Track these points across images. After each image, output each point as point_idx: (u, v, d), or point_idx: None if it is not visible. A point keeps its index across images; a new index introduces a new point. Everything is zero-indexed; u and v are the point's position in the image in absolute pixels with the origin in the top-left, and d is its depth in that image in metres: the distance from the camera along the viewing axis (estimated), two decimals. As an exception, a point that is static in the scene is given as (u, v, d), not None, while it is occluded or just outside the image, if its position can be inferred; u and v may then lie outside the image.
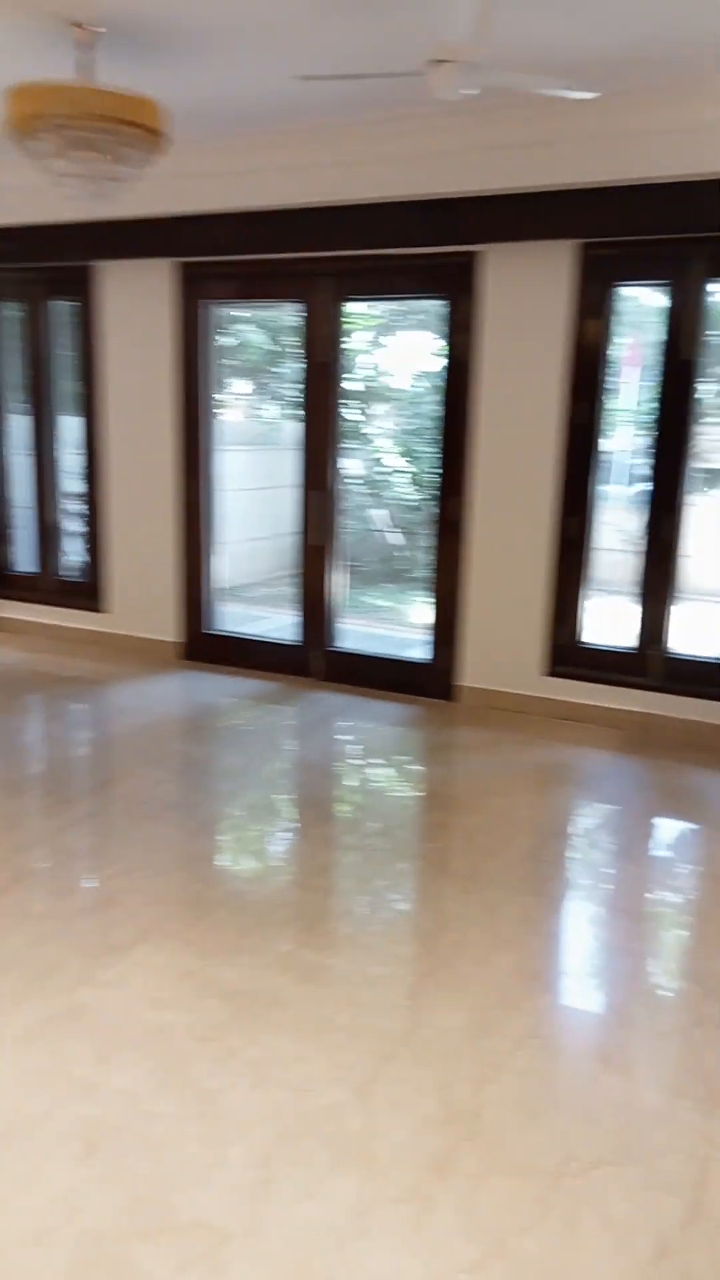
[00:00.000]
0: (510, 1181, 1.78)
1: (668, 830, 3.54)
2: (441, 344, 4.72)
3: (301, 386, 5.02)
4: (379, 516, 10.06)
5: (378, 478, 9.88)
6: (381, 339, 9.45)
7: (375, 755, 4.20)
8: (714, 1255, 1.64)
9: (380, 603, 8.93)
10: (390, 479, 9.59)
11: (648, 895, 2.96)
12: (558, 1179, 1.79)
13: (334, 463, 5.08)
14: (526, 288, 4.42)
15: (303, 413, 5.05)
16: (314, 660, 5.25)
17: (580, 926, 2.79)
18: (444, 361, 4.70)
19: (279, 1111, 1.97)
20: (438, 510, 4.85)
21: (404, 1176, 1.80)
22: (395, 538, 9.68)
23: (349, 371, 5.37)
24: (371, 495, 10.07)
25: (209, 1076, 2.06)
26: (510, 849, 3.21)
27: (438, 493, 4.83)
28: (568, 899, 2.93)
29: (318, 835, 3.36)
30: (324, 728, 4.51)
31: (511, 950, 2.58)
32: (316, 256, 4.79)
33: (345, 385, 5.07)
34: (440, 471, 4.81)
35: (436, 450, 4.80)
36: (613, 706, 4.56)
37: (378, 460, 9.74)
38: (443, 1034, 2.21)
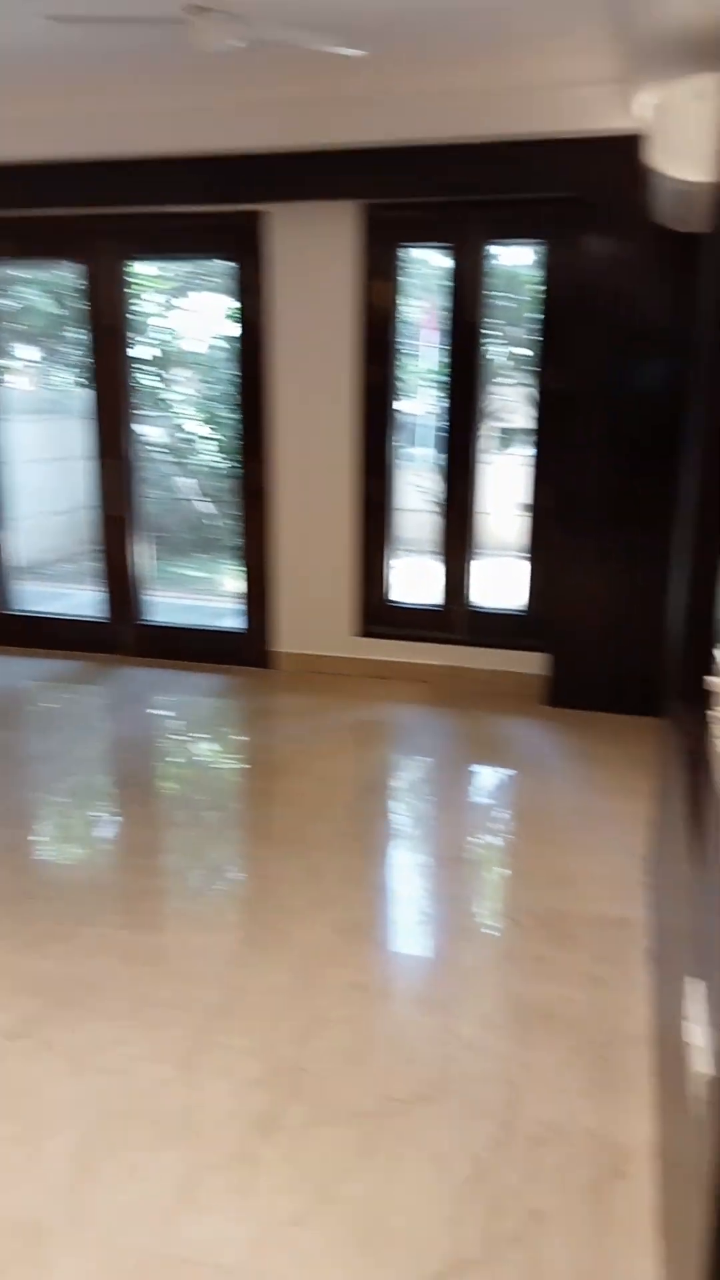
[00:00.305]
0: (334, 1131, 1.82)
1: (480, 776, 3.70)
2: (234, 306, 4.64)
3: (89, 352, 4.81)
4: (185, 485, 9.85)
5: (182, 445, 9.66)
6: (175, 302, 9.19)
7: (193, 728, 4.14)
8: (524, 1169, 1.74)
9: (193, 573, 8.77)
10: (195, 446, 9.40)
11: (465, 840, 3.08)
12: (380, 1121, 1.85)
13: (129, 430, 4.92)
14: (313, 249, 4.40)
15: (92, 379, 4.85)
16: (123, 636, 5.10)
17: (401, 877, 2.87)
18: (237, 324, 4.63)
19: (100, 1097, 1.92)
20: (241, 476, 4.79)
21: (229, 1142, 1.81)
22: (204, 506, 9.51)
23: (140, 335, 5.19)
24: (176, 463, 9.84)
25: (22, 1074, 1.98)
26: (331, 809, 3.26)
27: (240, 458, 4.78)
28: (388, 852, 3.00)
29: (138, 814, 3.28)
30: (138, 704, 4.40)
31: (334, 907, 2.62)
32: (95, 214, 4.59)
33: (137, 350, 4.90)
34: (241, 437, 4.75)
35: (236, 415, 4.73)
36: (422, 661, 4.70)
37: (179, 427, 9.51)
38: (265, 996, 2.23)
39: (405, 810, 3.34)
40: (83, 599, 5.54)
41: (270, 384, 4.60)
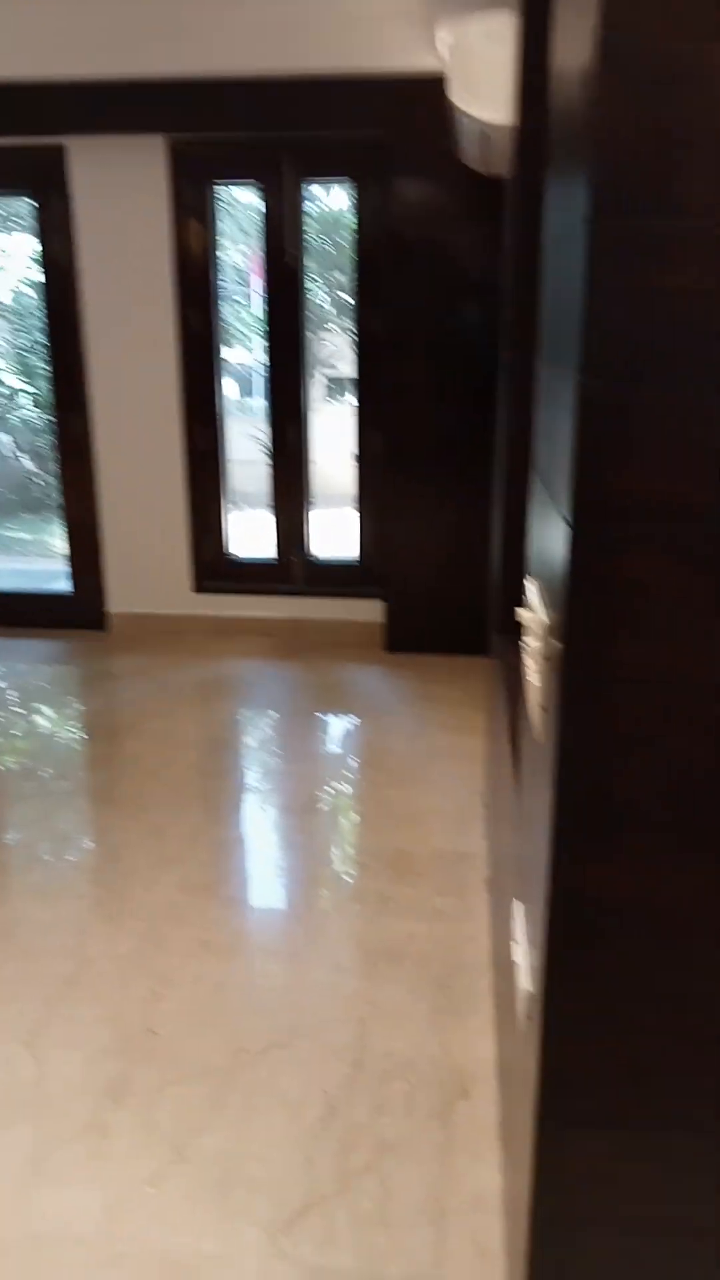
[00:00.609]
0: (186, 1089, 1.83)
1: (324, 725, 3.73)
2: (38, 248, 4.38)
3: None
4: (4, 441, 9.34)
5: (-1, 399, 9.12)
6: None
7: (25, 696, 3.98)
8: (374, 1102, 1.80)
9: (20, 535, 8.37)
10: (13, 400, 8.90)
11: (310, 790, 3.11)
12: (231, 1074, 1.87)
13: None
14: (121, 186, 4.20)
15: None
16: (-56, 605, 4.82)
17: (246, 831, 2.88)
18: (43, 268, 4.38)
19: (-60, 1087, 1.85)
20: (59, 430, 4.58)
21: (80, 1112, 1.78)
22: (27, 463, 9.07)
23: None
24: (-6, 418, 9.30)
25: None
26: (174, 768, 3.21)
27: (56, 411, 4.56)
28: (233, 807, 3.00)
29: (-35, 791, 3.14)
30: (-36, 676, 4.19)
31: (179, 867, 2.60)
32: None
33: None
34: (56, 388, 4.53)
35: (49, 365, 4.50)
36: (263, 615, 4.67)
37: (-1, 382, 8.98)
38: (112, 964, 2.20)
39: (249, 764, 3.34)
40: None
41: (84, 331, 4.39)
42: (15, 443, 9.24)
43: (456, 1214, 1.57)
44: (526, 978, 1.23)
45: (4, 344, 8.67)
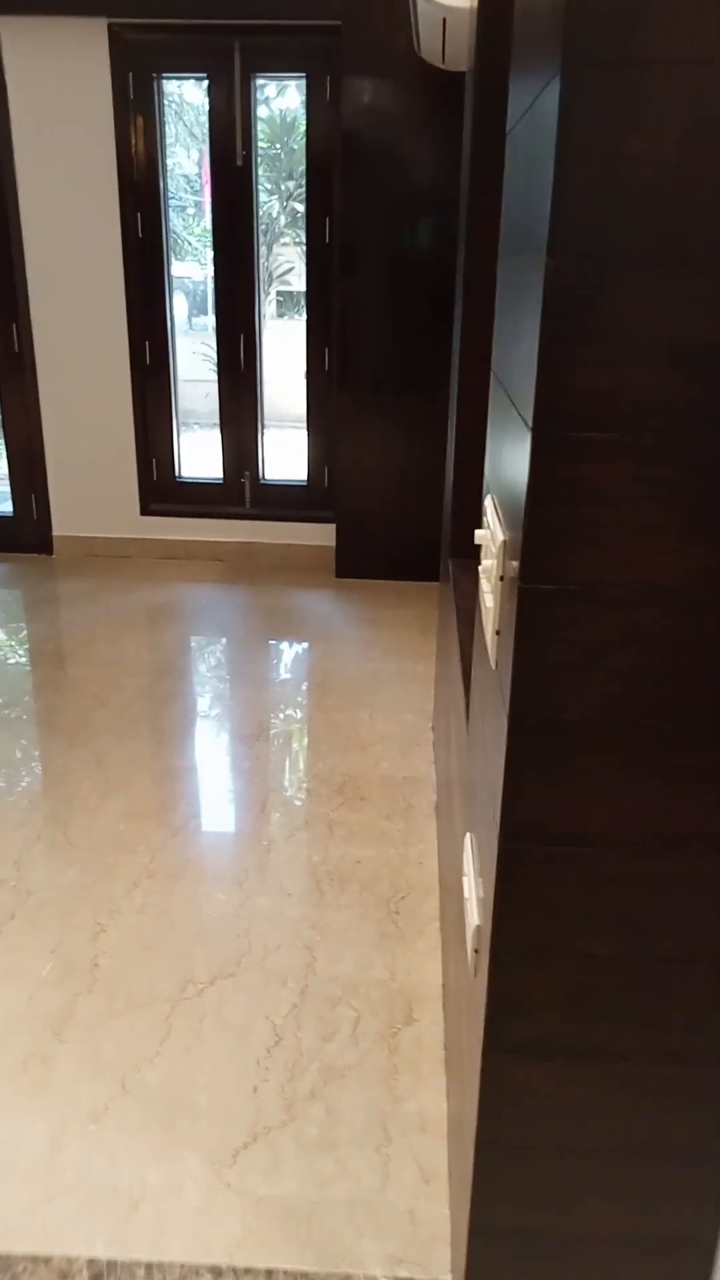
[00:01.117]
0: (130, 1020, 1.80)
1: (272, 651, 3.66)
2: (-32, 142, 4.08)
3: None
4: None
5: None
6: None
7: (-36, 621, 3.85)
8: (321, 1029, 1.79)
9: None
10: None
11: (257, 716, 3.06)
12: (176, 1004, 1.84)
13: None
14: (59, 74, 3.92)
15: None
16: None
17: (192, 759, 2.82)
18: (-25, 164, 4.09)
19: None
20: (-4, 342, 4.35)
21: (22, 1045, 1.74)
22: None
23: None
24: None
25: None
26: (119, 694, 3.13)
27: (-6, 322, 4.32)
28: (179, 735, 2.93)
29: None
30: None
31: (122, 795, 2.54)
32: None
33: None
34: (-8, 296, 4.28)
35: (-15, 272, 4.25)
36: (212, 539, 4.55)
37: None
38: (54, 894, 2.14)
39: (198, 690, 3.27)
40: None
41: (22, 236, 4.14)
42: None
43: (401, 1138, 1.57)
44: (475, 911, 1.20)
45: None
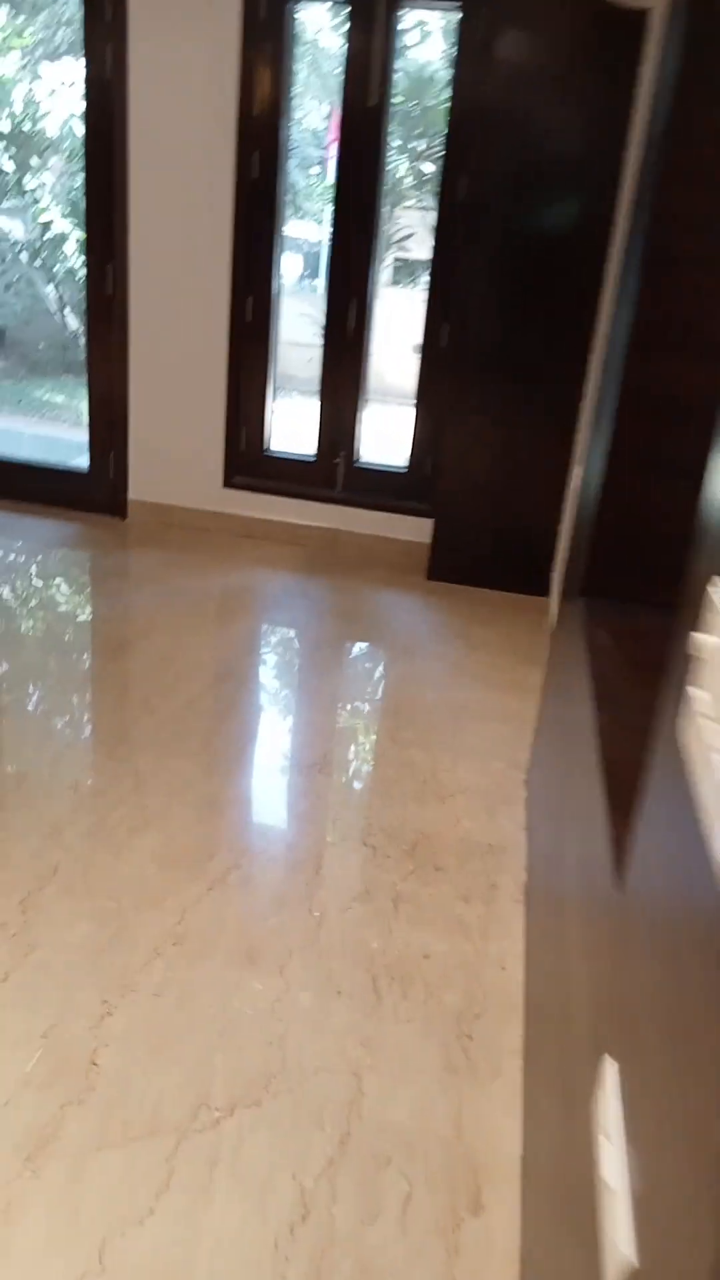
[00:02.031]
0: (124, 1155, 1.43)
1: (347, 663, 3.26)
2: (83, 68, 3.71)
3: None
4: (50, 294, 8.68)
5: (45, 246, 8.44)
6: (40, 68, 7.78)
7: (21, 587, 3.53)
8: (360, 1202, 1.40)
9: (56, 398, 7.83)
10: (62, 248, 8.21)
11: (322, 742, 2.66)
12: (184, 1136, 1.47)
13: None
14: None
15: None
16: (-52, 470, 4.35)
17: (241, 790, 2.44)
18: (86, 92, 3.72)
19: None
20: (90, 285, 4.00)
21: (-14, 1169, 1.39)
22: (71, 319, 8.44)
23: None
24: (41, 267, 8.63)
25: None
26: (170, 700, 2.77)
27: (89, 263, 3.97)
28: (231, 758, 2.56)
29: (-68, 696, 2.72)
30: (-43, 555, 3.74)
31: (157, 829, 2.18)
32: None
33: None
34: (89, 236, 3.93)
35: (86, 209, 3.89)
36: (296, 521, 4.16)
37: (45, 225, 8.27)
38: (60, 954, 1.79)
39: (256, 704, 2.89)
40: None
41: (129, 173, 3.76)
42: (60, 297, 8.59)
43: None
44: (626, 1229, 0.77)
45: (54, 182, 7.94)
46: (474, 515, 3.83)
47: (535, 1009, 1.67)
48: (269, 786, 2.44)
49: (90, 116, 3.75)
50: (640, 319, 1.67)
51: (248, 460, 4.16)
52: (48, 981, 1.72)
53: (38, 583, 3.58)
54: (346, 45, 3.55)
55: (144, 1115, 1.49)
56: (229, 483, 4.15)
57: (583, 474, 2.55)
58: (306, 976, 1.80)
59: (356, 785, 2.47)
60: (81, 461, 4.33)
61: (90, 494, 4.28)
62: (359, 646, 3.36)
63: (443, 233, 3.72)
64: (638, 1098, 0.84)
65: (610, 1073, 0.92)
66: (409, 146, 7.53)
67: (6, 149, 7.74)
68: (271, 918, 1.94)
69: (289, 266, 8.95)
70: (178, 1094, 1.53)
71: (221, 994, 1.74)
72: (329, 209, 3.79)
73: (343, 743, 2.68)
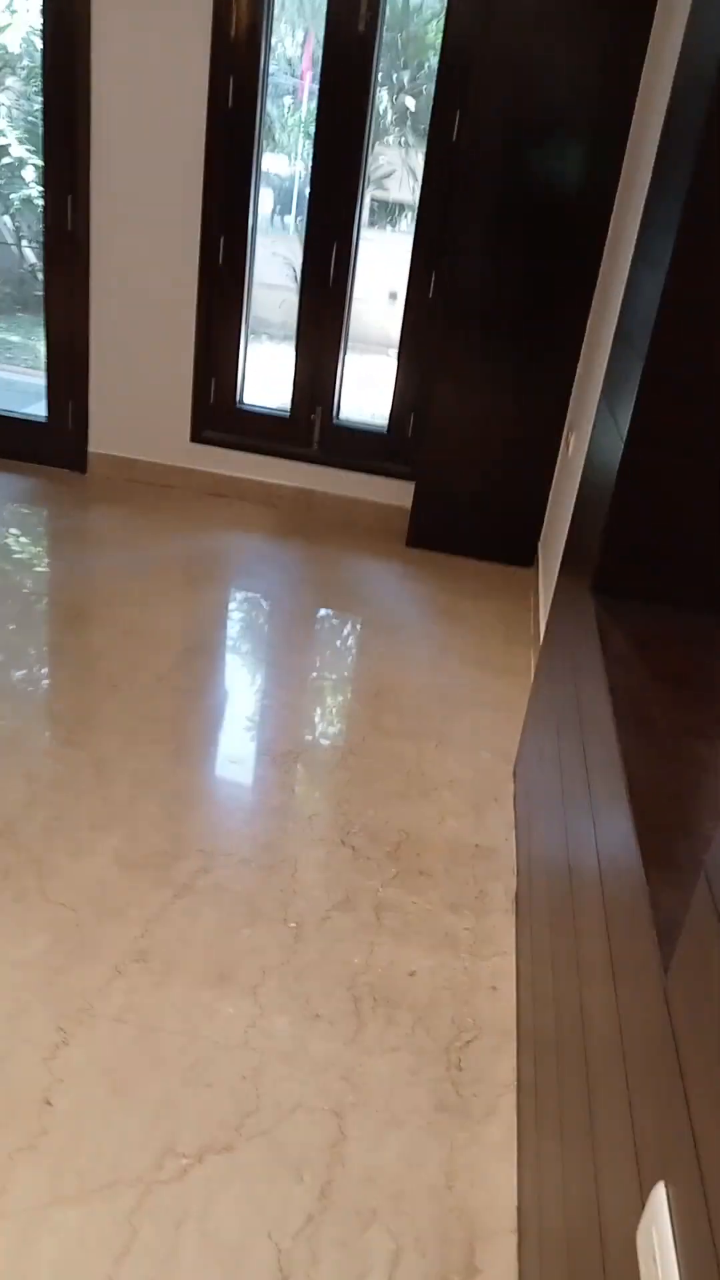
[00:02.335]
0: (79, 1213, 1.28)
1: (324, 638, 3.09)
2: (40, -32, 3.37)
3: None
4: (5, 224, 8.22)
5: (0, 172, 7.96)
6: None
7: (-28, 546, 3.30)
8: (343, 1267, 1.27)
9: (10, 338, 7.44)
10: (20, 174, 7.74)
11: (297, 727, 2.50)
12: (148, 1189, 1.32)
13: None
14: None
15: None
16: None
17: (210, 781, 2.27)
18: (43, 1, 3.39)
19: None
20: (47, 217, 3.70)
21: None
22: (29, 253, 8.01)
23: None
24: (-5, 197, 8.16)
25: None
26: (136, 678, 2.58)
27: (46, 194, 3.66)
28: (199, 743, 2.38)
29: None
30: None
31: (120, 826, 2.01)
32: None
33: None
34: (47, 164, 3.62)
35: (43, 135, 3.58)
36: (269, 480, 3.94)
37: (0, 149, 7.79)
38: (9, 974, 1.62)
39: (228, 682, 2.71)
40: None
41: (92, 97, 3.45)
42: (17, 229, 8.14)
43: None
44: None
45: (11, 104, 7.45)
46: (458, 480, 3.64)
47: (531, 1037, 1.55)
48: (241, 778, 2.28)
49: (48, 32, 3.42)
50: (672, 285, 1.49)
51: (218, 413, 3.92)
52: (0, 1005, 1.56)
53: (-8, 542, 3.34)
54: (334, -35, 3.26)
55: (103, 1164, 1.35)
56: (197, 437, 3.91)
57: (585, 448, 2.38)
58: (282, 999, 1.65)
59: (335, 777, 2.31)
60: (38, 410, 4.06)
61: (48, 445, 4.01)
62: (337, 620, 3.18)
63: (432, 175, 3.47)
64: (696, 1225, 0.71)
65: (661, 1197, 0.79)
66: (392, 78, 7.14)
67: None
68: (244, 930, 1.79)
69: (262, 203, 8.57)
70: (141, 1138, 1.39)
71: (189, 1020, 1.59)
72: (304, 143, 3.52)
73: (320, 729, 2.52)
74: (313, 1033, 1.59)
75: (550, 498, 3.56)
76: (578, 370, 3.39)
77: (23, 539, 3.46)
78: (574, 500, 2.29)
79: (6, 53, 7.43)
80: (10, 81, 7.50)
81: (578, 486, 2.40)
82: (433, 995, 1.70)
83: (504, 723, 2.61)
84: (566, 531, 2.47)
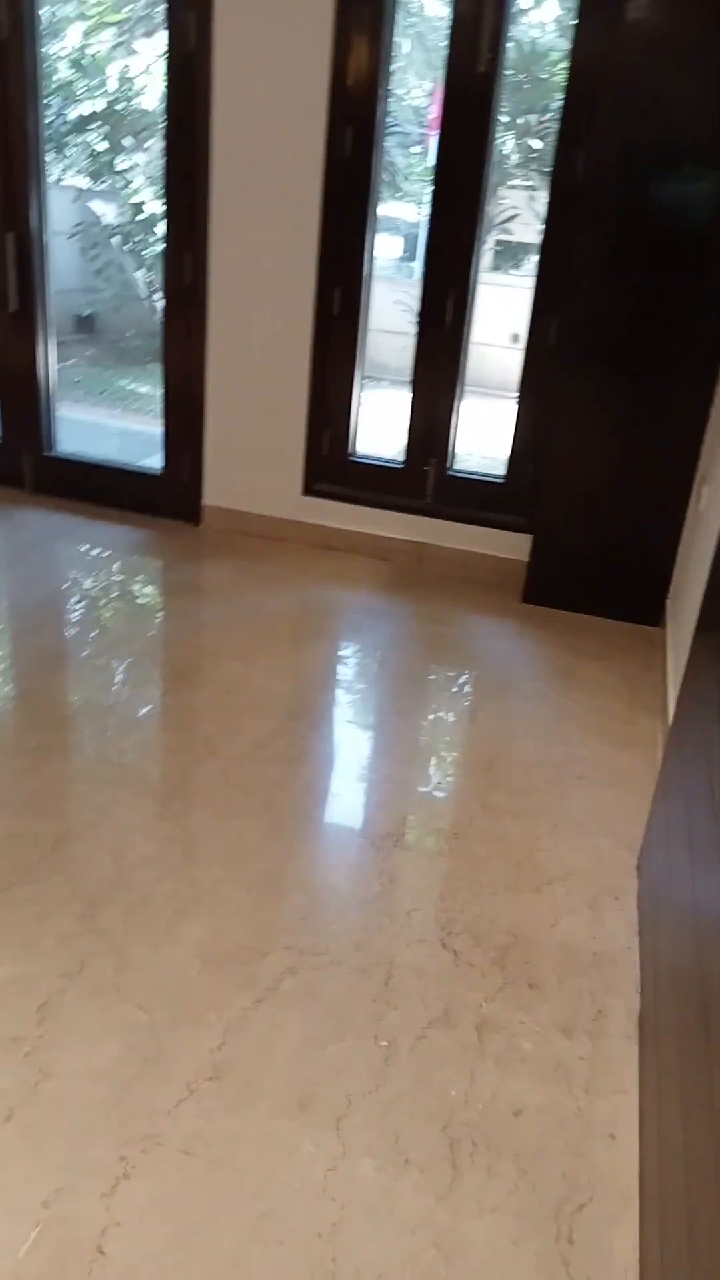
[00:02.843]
0: None
1: (433, 701, 2.91)
2: (164, 34, 3.41)
3: (-32, 78, 3.60)
4: (139, 279, 8.51)
5: (136, 228, 8.25)
6: (135, 44, 7.56)
7: (82, 602, 3.28)
8: None
9: (140, 389, 7.64)
10: (153, 230, 8.00)
11: (400, 806, 2.32)
12: None
13: (35, 191, 3.75)
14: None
15: (-26, 120, 3.66)
16: (19, 468, 4.14)
17: (305, 866, 2.11)
18: (167, 63, 3.42)
19: None
20: (168, 271, 3.72)
21: None
22: (160, 306, 8.25)
23: (82, 81, 3.91)
24: (130, 252, 8.46)
25: None
26: (234, 742, 2.47)
27: (169, 248, 3.68)
28: (296, 821, 2.24)
29: (-25, 729, 2.47)
30: (19, 563, 3.51)
31: (205, 913, 1.88)
32: None
33: (77, 102, 3.67)
34: (170, 219, 3.64)
35: (165, 189, 3.61)
36: (381, 533, 3.82)
37: (137, 206, 8.08)
38: (75, 1088, 1.50)
39: (331, 749, 2.56)
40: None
41: (209, 150, 3.46)
42: (149, 283, 8.41)
43: None
44: None
45: (147, 162, 7.72)
46: (579, 532, 3.42)
47: (656, 1201, 1.31)
48: (336, 861, 2.11)
49: (172, 93, 3.45)
50: None
51: (330, 465, 3.83)
52: (58, 1125, 1.43)
53: (102, 598, 3.32)
54: (453, 9, 3.17)
55: (157, 1335, 1.19)
56: (309, 489, 3.83)
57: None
58: (369, 1136, 1.47)
59: (438, 865, 2.12)
60: (156, 461, 4.07)
61: (163, 497, 4.01)
62: (446, 681, 3.01)
63: (554, 215, 3.31)
64: None
65: None
66: (516, 122, 7.05)
67: (100, 128, 7.55)
68: (330, 1046, 1.62)
69: (385, 249, 8.57)
70: (200, 1306, 1.23)
71: (264, 1155, 1.42)
72: (428, 189, 3.42)
73: (424, 807, 2.34)
74: (402, 1182, 1.40)
75: (680, 551, 3.31)
76: (710, 417, 3.14)
77: (135, 592, 3.44)
78: (711, 555, 2.06)
79: (143, 115, 7.73)
80: (150, 143, 7.79)
81: (716, 540, 2.16)
82: (540, 1142, 1.49)
83: (627, 803, 2.37)
84: (704, 589, 2.23)
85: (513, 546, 3.64)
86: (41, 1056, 1.54)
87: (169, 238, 3.64)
